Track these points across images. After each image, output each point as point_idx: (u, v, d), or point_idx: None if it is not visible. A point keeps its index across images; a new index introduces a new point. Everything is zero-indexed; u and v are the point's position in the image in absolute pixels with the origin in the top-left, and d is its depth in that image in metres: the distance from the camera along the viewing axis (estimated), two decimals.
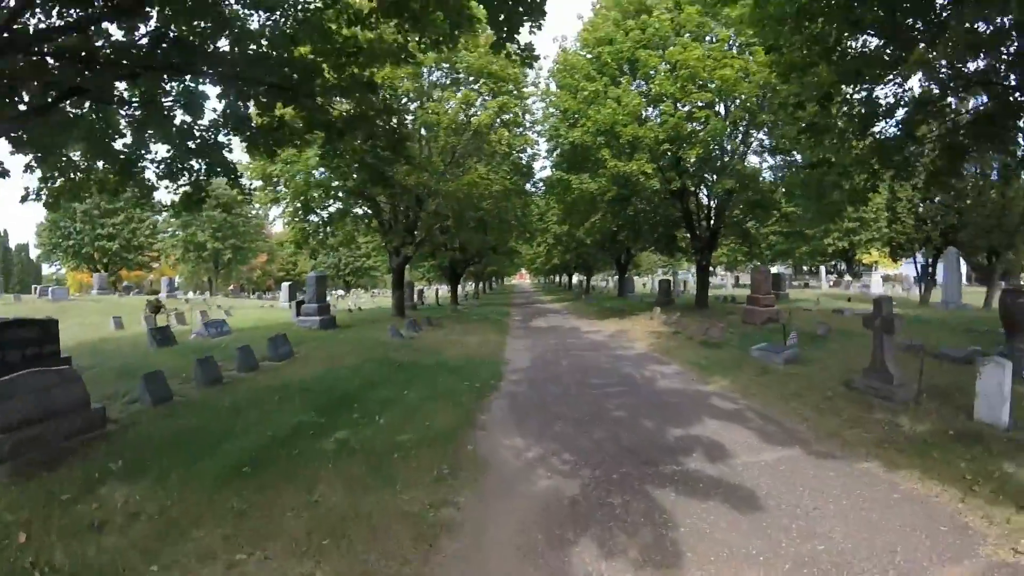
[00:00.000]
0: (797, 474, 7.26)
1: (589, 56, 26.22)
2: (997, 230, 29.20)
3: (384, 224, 27.47)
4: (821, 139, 15.21)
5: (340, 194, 24.46)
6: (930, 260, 34.65)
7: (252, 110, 10.63)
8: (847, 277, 61.83)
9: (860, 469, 7.38)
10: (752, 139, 24.94)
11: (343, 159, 12.37)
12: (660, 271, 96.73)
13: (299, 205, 25.03)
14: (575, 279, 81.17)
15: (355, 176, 11.67)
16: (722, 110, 24.26)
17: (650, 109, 25.30)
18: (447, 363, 15.38)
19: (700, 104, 23.02)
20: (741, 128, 23.88)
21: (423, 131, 26.11)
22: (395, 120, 12.01)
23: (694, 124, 23.33)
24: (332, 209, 26.32)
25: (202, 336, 20.54)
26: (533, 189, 33.83)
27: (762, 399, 11.15)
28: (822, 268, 62.95)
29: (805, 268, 73.42)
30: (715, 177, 26.22)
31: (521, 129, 27.96)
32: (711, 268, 31.40)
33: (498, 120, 25.18)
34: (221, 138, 10.67)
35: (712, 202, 28.35)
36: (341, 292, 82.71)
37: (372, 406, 10.43)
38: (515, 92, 26.30)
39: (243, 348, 14.41)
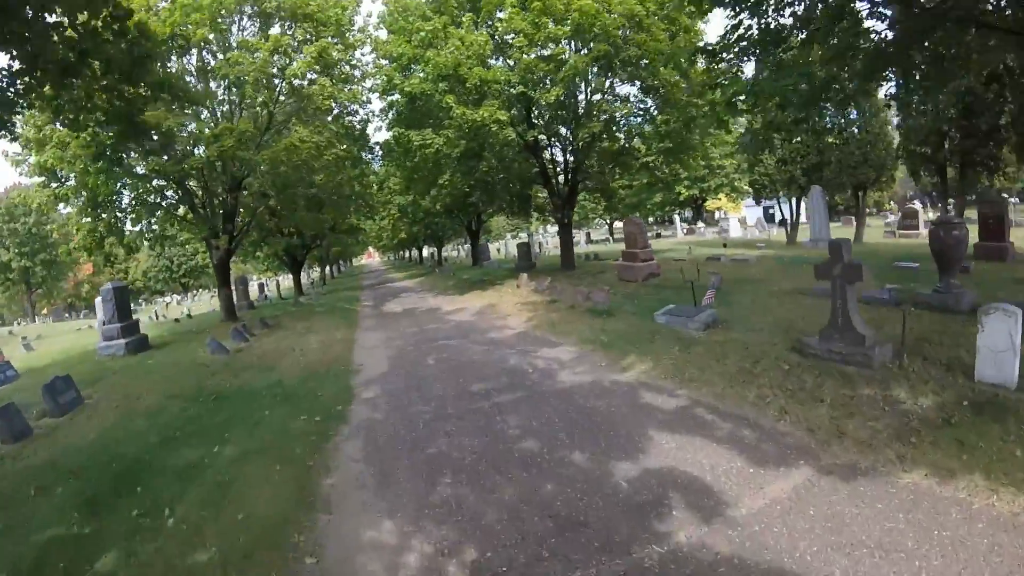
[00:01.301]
0: (833, 518, 4.89)
1: None
2: (863, 165, 29.18)
3: (198, 212, 22.82)
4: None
5: (123, 174, 19.38)
6: (794, 200, 34.16)
7: None
8: (700, 224, 62.07)
9: (906, 487, 5.24)
10: (617, 78, 22.17)
11: (87, 110, 8.45)
12: (509, 236, 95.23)
13: (84, 196, 19.91)
14: (425, 252, 77.94)
15: (106, 133, 7.85)
16: (580, 48, 21.41)
17: (499, 54, 22.24)
18: (280, 384, 11.73)
19: (556, 42, 20.15)
20: (601, 66, 21.06)
21: (228, 90, 21.68)
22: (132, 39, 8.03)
23: (550, 65, 20.43)
24: (126, 199, 21.15)
25: None
26: (369, 157, 29.71)
27: (706, 386, 8.56)
28: (675, 217, 62.60)
29: (651, 219, 73.58)
30: (572, 126, 23.62)
31: (349, 86, 23.87)
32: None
33: (318, 68, 20.99)
34: None
35: (569, 155, 25.76)
36: (174, 298, 75.37)
37: (165, 485, 7.06)
38: (338, 41, 22.19)
39: (4, 409, 10.16)
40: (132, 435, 9.26)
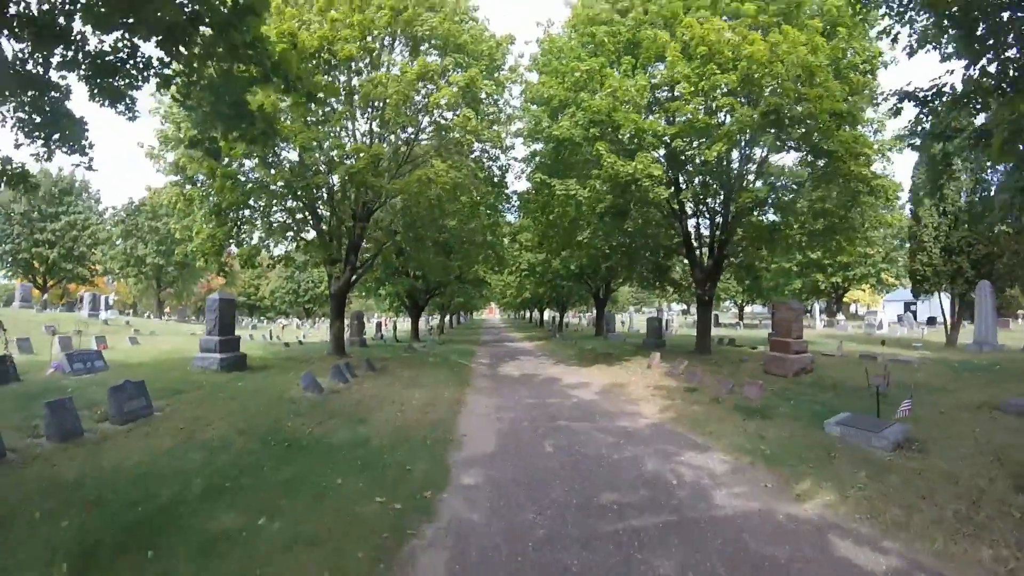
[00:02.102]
0: None
1: (581, 36, 21.14)
2: None
3: (324, 237, 21.90)
4: None
5: (253, 188, 18.58)
6: (957, 296, 30.27)
7: None
8: (840, 316, 57.40)
9: None
10: (784, 138, 19.56)
11: (194, 83, 7.16)
12: (632, 309, 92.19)
13: (212, 200, 19.31)
14: (547, 315, 76.21)
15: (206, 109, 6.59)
16: (745, 103, 19.19)
17: (656, 106, 20.32)
18: (366, 444, 9.83)
19: (723, 90, 18.01)
20: (771, 122, 18.61)
21: (368, 112, 20.75)
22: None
23: (712, 119, 18.35)
24: (249, 211, 20.42)
25: (61, 372, 15.54)
26: (505, 207, 28.29)
27: (919, 538, 6.18)
28: (815, 306, 58.06)
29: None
30: (726, 193, 21.27)
31: (494, 126, 22.48)
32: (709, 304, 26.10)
33: (463, 101, 19.64)
34: None
35: (716, 227, 23.32)
36: (294, 321, 76.98)
37: (182, 560, 5.46)
38: (487, 77, 20.89)
39: (56, 404, 8.98)
40: (179, 472, 7.81)
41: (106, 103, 7.82)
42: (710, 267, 23.65)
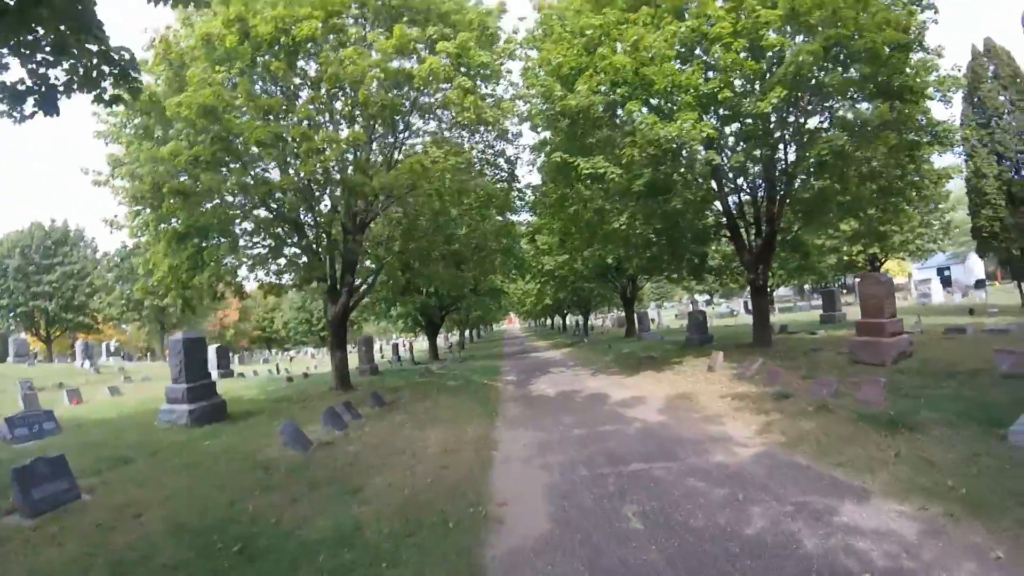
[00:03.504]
0: None
1: None
2: None
3: (309, 255, 18.70)
4: None
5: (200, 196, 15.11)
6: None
7: None
8: None
9: None
10: (853, 75, 15.88)
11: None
12: (653, 304, 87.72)
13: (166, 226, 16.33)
14: (568, 320, 72.91)
15: None
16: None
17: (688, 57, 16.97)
18: (356, 535, 6.61)
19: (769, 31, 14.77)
20: (832, 60, 15.16)
21: (339, 99, 17.29)
22: None
23: (760, 63, 15.11)
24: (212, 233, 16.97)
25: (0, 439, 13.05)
26: (519, 203, 24.72)
27: None
28: (855, 281, 53.97)
29: (807, 286, 65.16)
30: (778, 153, 17.86)
31: (494, 102, 19.02)
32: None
33: (456, 74, 16.23)
34: None
35: (760, 200, 20.02)
36: (308, 351, 74.33)
37: None
38: (483, 45, 17.46)
39: None
40: None
41: None
42: (759, 247, 20.19)
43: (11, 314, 59.62)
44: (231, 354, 61.63)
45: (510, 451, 10.48)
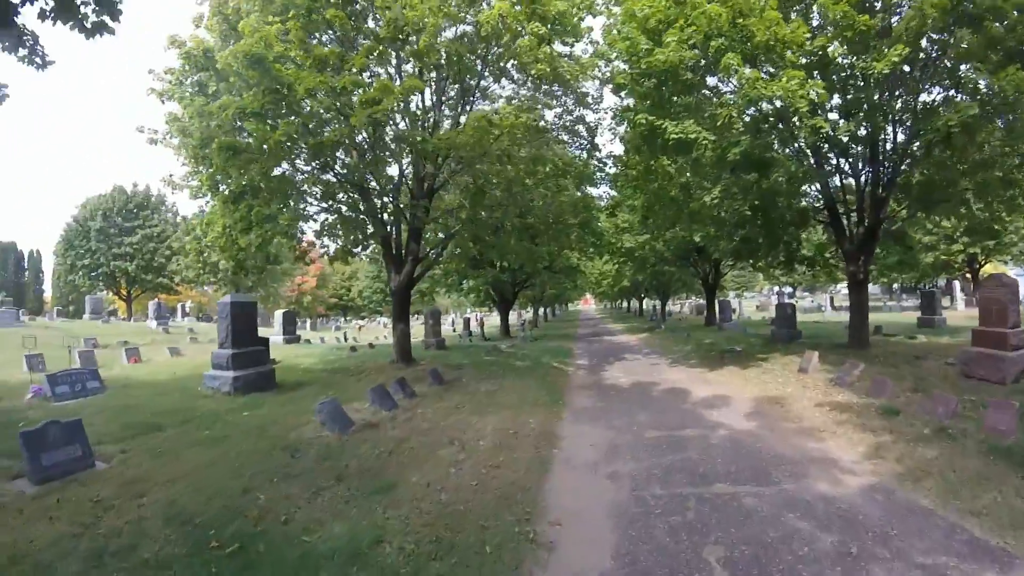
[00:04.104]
0: None
1: None
2: None
3: (372, 218, 17.61)
4: None
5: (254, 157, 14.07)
6: None
7: None
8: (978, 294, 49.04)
9: None
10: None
11: None
12: (733, 294, 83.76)
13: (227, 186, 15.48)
14: (645, 304, 70.65)
15: None
16: None
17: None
18: (376, 549, 5.46)
19: None
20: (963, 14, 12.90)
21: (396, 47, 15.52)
22: None
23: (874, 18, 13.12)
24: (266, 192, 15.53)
25: (43, 396, 12.65)
26: (599, 175, 23.03)
27: None
28: (955, 284, 50.00)
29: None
30: (896, 124, 15.66)
31: (569, 54, 17.27)
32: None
33: (529, 22, 14.58)
34: None
35: (865, 182, 17.67)
36: (381, 321, 74.29)
37: None
38: None
39: None
40: None
41: None
42: (862, 236, 17.98)
43: (93, 274, 61.35)
44: (304, 320, 62.37)
45: (574, 451, 9.12)
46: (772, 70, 13.63)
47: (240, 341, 13.65)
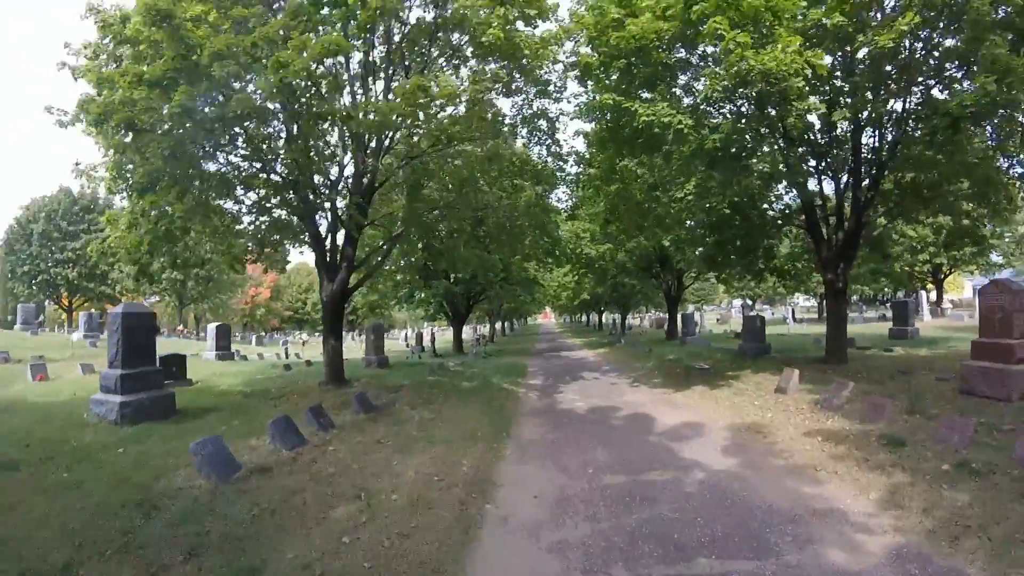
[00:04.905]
0: None
1: None
2: None
3: (298, 214, 15.52)
4: None
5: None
6: None
7: None
8: (948, 304, 48.70)
9: None
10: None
11: None
12: (692, 307, 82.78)
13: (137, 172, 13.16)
14: (605, 317, 69.42)
15: None
16: None
17: None
18: None
19: None
20: None
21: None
22: None
23: None
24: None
25: None
26: (561, 173, 21.17)
27: None
28: (921, 293, 49.18)
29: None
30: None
31: (533, 27, 15.26)
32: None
33: None
34: None
35: (847, 184, 16.36)
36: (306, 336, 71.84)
37: None
38: None
39: None
40: None
41: None
42: (842, 242, 16.52)
43: (34, 281, 57.91)
44: (251, 334, 59.46)
45: (512, 506, 7.15)
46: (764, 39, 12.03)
47: (131, 360, 11.40)
